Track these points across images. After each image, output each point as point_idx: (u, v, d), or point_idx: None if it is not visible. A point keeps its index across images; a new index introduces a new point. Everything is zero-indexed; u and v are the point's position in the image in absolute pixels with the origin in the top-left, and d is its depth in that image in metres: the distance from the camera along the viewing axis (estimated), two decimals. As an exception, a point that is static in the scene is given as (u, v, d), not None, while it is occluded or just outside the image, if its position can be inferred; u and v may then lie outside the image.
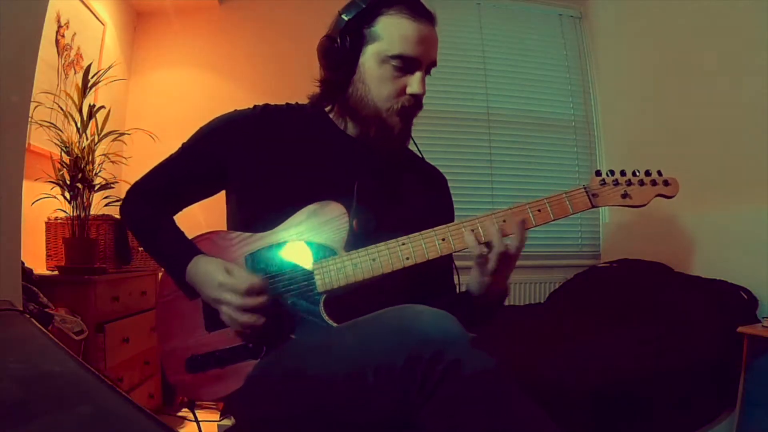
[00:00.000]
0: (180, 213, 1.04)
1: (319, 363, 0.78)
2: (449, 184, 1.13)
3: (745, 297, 1.96)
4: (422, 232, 0.89)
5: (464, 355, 0.66)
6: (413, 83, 0.94)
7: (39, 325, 0.73)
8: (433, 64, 0.97)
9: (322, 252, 0.90)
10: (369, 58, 0.94)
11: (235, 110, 1.02)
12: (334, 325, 0.87)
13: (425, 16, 0.94)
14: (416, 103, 0.96)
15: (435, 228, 0.90)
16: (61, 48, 2.10)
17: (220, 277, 0.87)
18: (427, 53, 0.94)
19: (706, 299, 1.95)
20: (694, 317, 1.88)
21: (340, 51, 0.94)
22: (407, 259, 0.88)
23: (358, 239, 0.91)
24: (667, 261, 2.41)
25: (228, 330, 0.90)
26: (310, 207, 0.92)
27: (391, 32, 0.92)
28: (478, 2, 3.14)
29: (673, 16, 2.57)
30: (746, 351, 1.73)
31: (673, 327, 1.86)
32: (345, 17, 0.93)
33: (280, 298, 0.89)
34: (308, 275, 0.90)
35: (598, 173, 0.93)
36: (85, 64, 2.14)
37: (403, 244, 0.89)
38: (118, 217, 1.66)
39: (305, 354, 0.83)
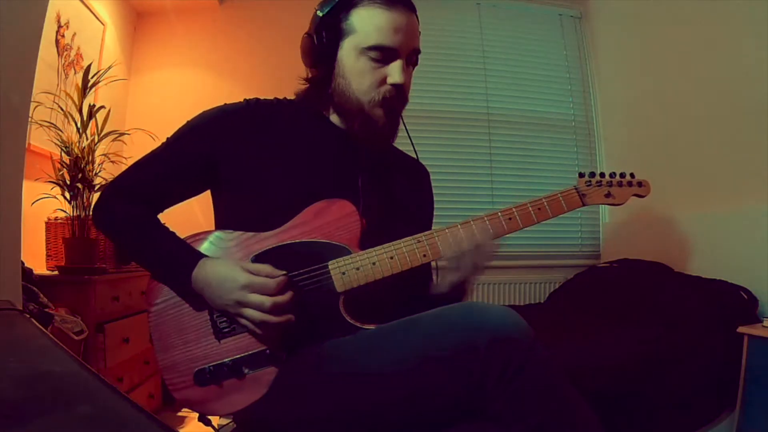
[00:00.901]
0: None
1: (372, 360, 0.78)
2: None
3: (745, 297, 1.95)
4: (435, 229, 0.91)
5: (535, 346, 0.72)
6: (393, 72, 0.92)
7: (39, 325, 0.72)
8: (416, 51, 0.95)
9: (336, 251, 0.88)
10: (346, 52, 0.92)
11: (225, 104, 0.99)
12: (358, 325, 0.85)
13: (401, 3, 0.92)
14: (398, 93, 0.93)
15: (449, 226, 0.91)
16: (61, 48, 2.10)
17: (242, 279, 0.82)
18: (405, 42, 0.92)
19: (706, 299, 1.94)
20: (694, 317, 1.88)
21: (319, 47, 0.93)
22: (424, 256, 0.89)
23: (364, 236, 0.90)
24: (667, 261, 2.41)
25: (242, 336, 0.85)
26: (318, 204, 0.89)
27: (365, 24, 0.90)
28: (478, 2, 3.13)
29: (673, 16, 2.57)
30: (746, 351, 1.73)
31: (673, 327, 1.86)
32: (320, 13, 0.92)
33: (297, 300, 0.86)
34: (324, 275, 0.87)
35: (581, 175, 1.01)
36: (85, 64, 2.14)
37: (419, 241, 0.89)
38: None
39: (347, 354, 0.81)
